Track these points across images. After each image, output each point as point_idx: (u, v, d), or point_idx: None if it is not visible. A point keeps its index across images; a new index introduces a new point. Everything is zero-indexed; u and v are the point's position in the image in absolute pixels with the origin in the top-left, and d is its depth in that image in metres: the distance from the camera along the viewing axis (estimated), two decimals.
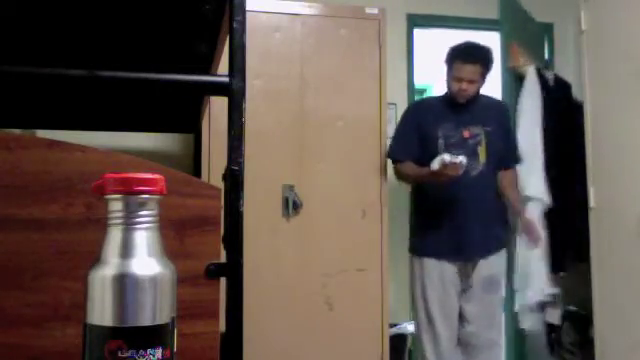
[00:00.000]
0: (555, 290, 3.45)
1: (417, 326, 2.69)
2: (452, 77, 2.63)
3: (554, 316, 3.54)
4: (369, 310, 2.78)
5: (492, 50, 2.66)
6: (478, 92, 2.67)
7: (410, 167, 2.66)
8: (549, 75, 3.66)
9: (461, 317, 2.64)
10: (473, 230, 2.60)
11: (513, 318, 3.37)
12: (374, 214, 2.82)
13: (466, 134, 2.64)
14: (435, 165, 2.39)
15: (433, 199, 2.65)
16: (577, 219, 3.16)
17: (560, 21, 4.14)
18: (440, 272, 2.60)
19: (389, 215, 2.86)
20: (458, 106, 2.67)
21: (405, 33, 3.94)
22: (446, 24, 4.13)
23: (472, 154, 2.59)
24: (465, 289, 2.64)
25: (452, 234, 2.60)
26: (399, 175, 2.75)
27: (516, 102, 3.46)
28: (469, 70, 2.58)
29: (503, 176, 2.77)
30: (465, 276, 2.63)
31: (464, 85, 2.59)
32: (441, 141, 2.62)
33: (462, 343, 2.64)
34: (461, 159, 2.35)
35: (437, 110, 2.71)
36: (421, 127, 2.69)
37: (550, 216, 3.36)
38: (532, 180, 3.34)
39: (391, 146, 2.79)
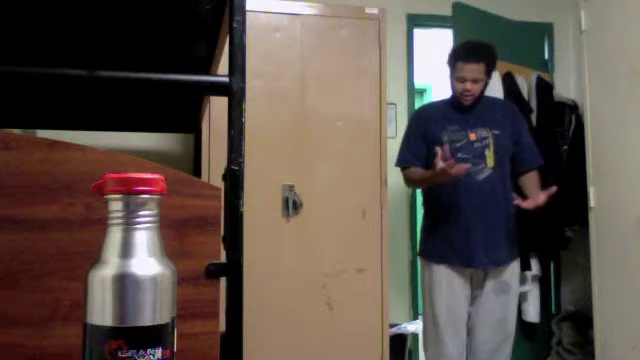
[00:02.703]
0: (526, 288, 3.44)
1: (424, 332, 2.64)
2: (455, 77, 2.56)
3: (532, 314, 3.53)
4: (369, 310, 2.78)
5: (495, 47, 2.60)
6: (483, 91, 2.60)
7: (417, 172, 2.61)
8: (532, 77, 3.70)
9: (470, 324, 2.57)
10: (481, 235, 2.51)
11: None
12: (374, 214, 2.82)
13: (472, 137, 2.57)
14: (439, 164, 2.35)
15: (441, 203, 2.58)
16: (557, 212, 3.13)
17: (560, 21, 4.14)
18: (449, 278, 2.54)
19: (389, 215, 2.86)
20: (463, 108, 2.60)
21: (405, 33, 3.94)
22: (446, 24, 4.13)
23: (479, 157, 2.53)
24: (476, 296, 2.57)
25: (459, 239, 2.53)
26: (408, 181, 2.71)
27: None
28: (472, 69, 2.51)
29: (526, 178, 2.64)
30: (476, 282, 2.56)
31: (468, 85, 2.52)
32: (447, 146, 2.56)
33: (473, 349, 2.57)
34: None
35: (441, 114, 2.65)
36: (427, 133, 2.63)
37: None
38: None
39: (399, 154, 2.73)
